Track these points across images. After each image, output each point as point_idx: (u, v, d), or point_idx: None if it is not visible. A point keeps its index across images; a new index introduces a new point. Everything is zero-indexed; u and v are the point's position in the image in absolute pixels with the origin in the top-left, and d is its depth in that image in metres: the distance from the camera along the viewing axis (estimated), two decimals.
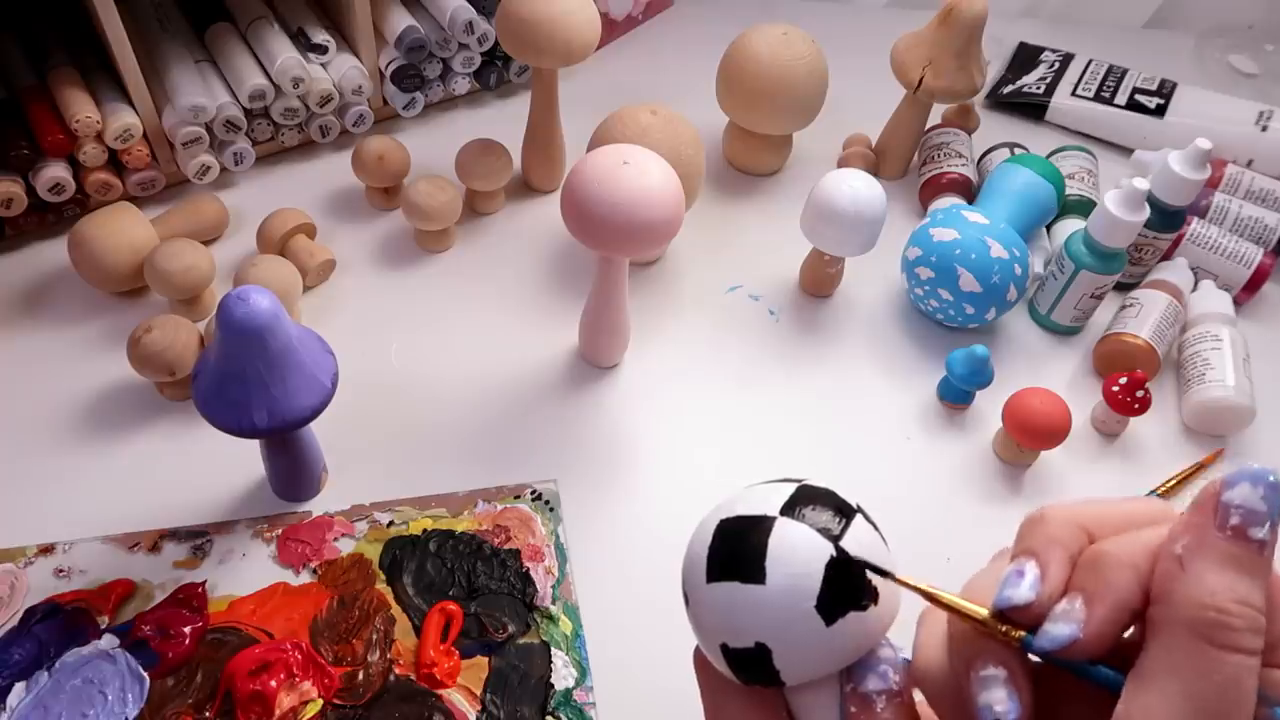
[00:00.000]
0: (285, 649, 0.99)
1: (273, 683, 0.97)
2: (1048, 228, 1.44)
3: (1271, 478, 0.45)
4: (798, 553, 0.52)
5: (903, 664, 0.54)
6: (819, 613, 0.51)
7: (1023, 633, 0.49)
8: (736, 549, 0.54)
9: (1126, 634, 0.48)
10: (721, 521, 0.55)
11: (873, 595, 0.52)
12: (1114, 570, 0.48)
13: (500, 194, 1.44)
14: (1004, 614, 0.50)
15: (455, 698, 0.98)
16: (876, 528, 0.55)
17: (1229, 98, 1.64)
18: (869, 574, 0.52)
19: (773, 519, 0.53)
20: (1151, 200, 1.29)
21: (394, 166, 1.37)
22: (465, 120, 1.59)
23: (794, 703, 0.56)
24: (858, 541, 0.53)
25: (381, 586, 1.05)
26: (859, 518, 0.54)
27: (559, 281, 1.36)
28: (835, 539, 0.52)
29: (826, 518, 0.53)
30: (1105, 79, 1.69)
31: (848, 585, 0.52)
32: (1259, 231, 1.40)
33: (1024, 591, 0.49)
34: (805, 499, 0.54)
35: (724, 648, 0.54)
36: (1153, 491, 1.20)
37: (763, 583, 0.52)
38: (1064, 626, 0.48)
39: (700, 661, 0.59)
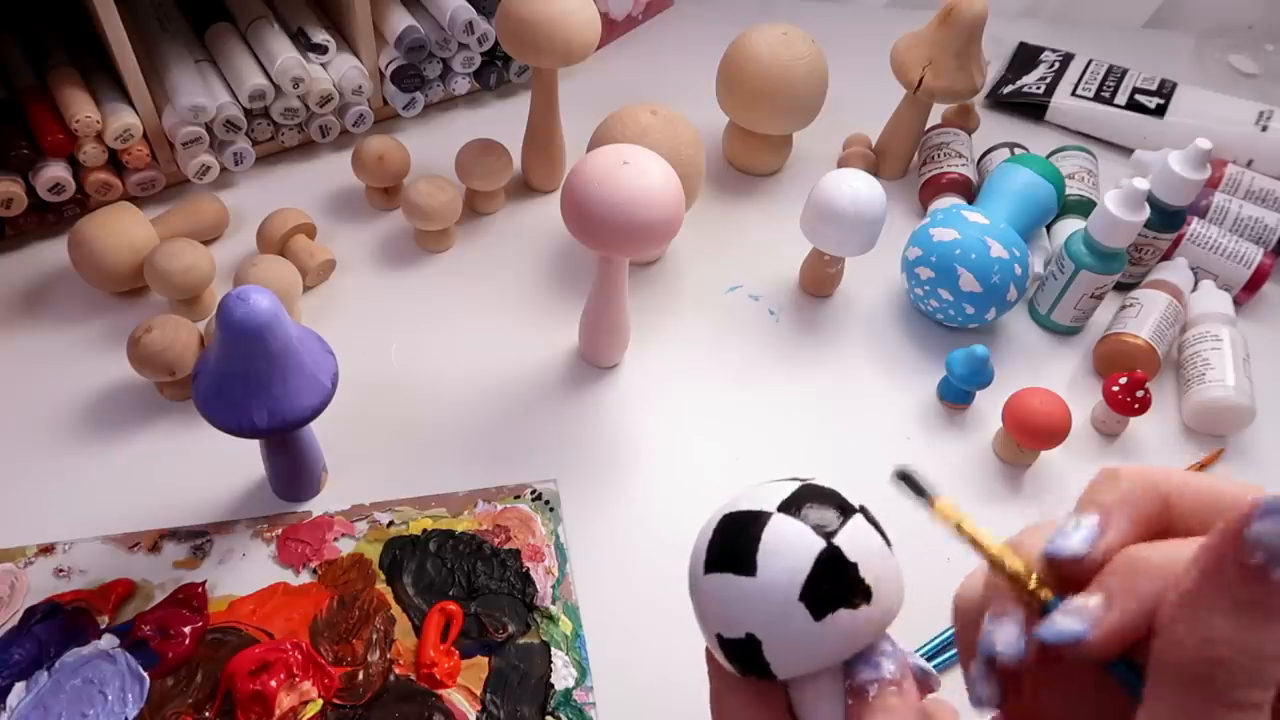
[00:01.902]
0: (285, 649, 0.99)
1: (273, 683, 0.97)
2: (1048, 228, 1.44)
3: None
4: (789, 547, 0.53)
5: (901, 657, 0.54)
6: (806, 607, 0.52)
7: (1050, 597, 0.48)
8: (732, 542, 0.55)
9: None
10: (724, 516, 0.57)
11: (865, 594, 0.53)
12: (1145, 580, 0.45)
13: (500, 194, 1.44)
14: (1050, 562, 0.49)
15: (455, 698, 0.98)
16: (879, 529, 0.56)
17: (1229, 98, 1.65)
18: (863, 576, 0.53)
19: (769, 514, 0.55)
20: (1151, 200, 1.29)
21: (394, 166, 1.37)
22: (465, 120, 1.59)
23: (795, 698, 0.57)
24: (853, 540, 0.54)
25: (381, 586, 1.05)
26: (858, 517, 0.55)
27: (559, 281, 1.36)
28: (829, 536, 0.53)
29: (824, 515, 0.54)
30: (1105, 79, 1.69)
31: (838, 582, 0.53)
32: (1259, 231, 1.40)
33: (1075, 544, 0.48)
34: (805, 497, 0.55)
35: (719, 638, 0.56)
36: None
37: (753, 575, 0.53)
38: (1073, 622, 0.45)
39: (710, 653, 0.59)
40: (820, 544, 0.53)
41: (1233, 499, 0.47)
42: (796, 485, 0.57)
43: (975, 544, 0.51)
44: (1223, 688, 0.39)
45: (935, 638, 1.06)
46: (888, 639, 0.55)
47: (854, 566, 0.53)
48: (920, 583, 1.11)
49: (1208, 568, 0.40)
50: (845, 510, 0.55)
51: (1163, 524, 0.48)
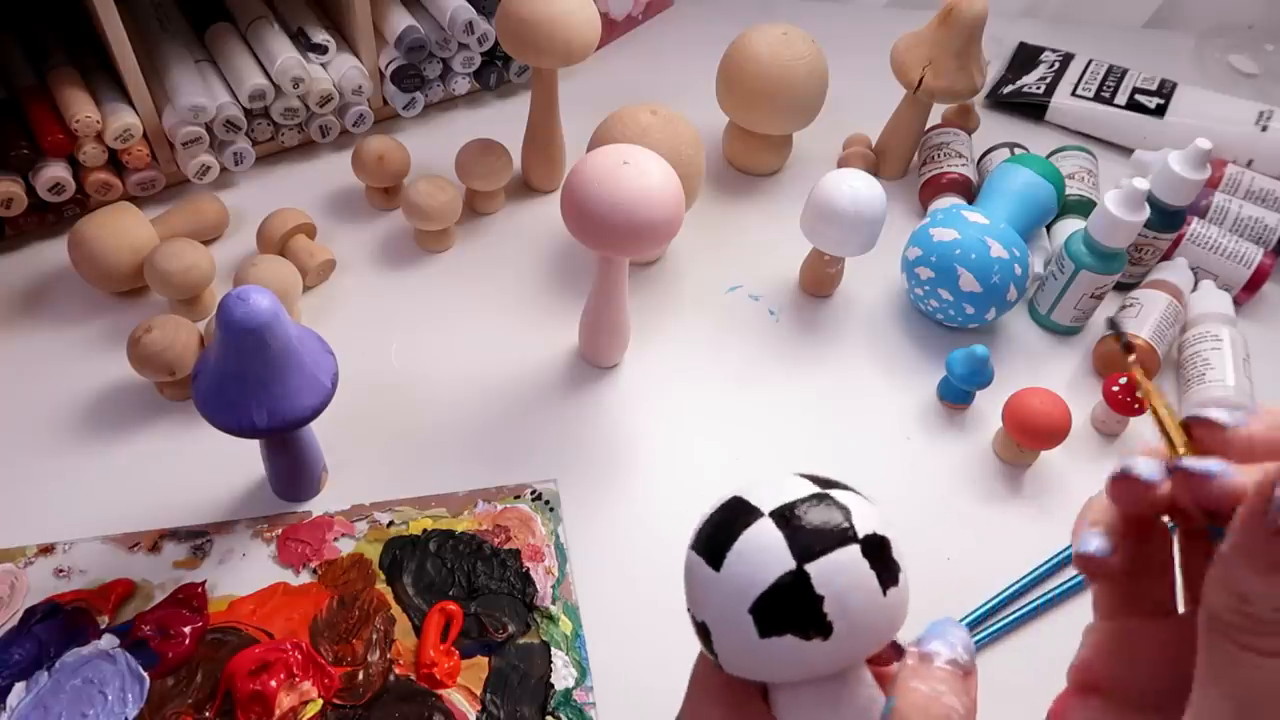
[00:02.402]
0: (285, 649, 0.99)
1: (273, 683, 0.97)
2: (1048, 228, 1.44)
3: None
4: (759, 556, 0.52)
5: (975, 647, 0.53)
6: (754, 621, 0.52)
7: (1183, 454, 0.49)
8: (715, 529, 0.55)
9: None
10: (730, 497, 0.56)
11: (822, 629, 0.51)
12: None
13: (500, 194, 1.44)
14: (1194, 426, 0.50)
15: (455, 698, 0.98)
16: (885, 564, 0.52)
17: (1229, 98, 1.65)
18: (827, 610, 0.51)
19: (759, 514, 0.53)
20: (1151, 200, 1.30)
21: (394, 166, 1.37)
22: (465, 120, 1.59)
23: (771, 695, 0.57)
24: (832, 571, 0.51)
25: (381, 586, 1.05)
26: (853, 548, 0.52)
27: (559, 281, 1.36)
28: (805, 559, 0.51)
29: (814, 534, 0.52)
30: (1105, 79, 1.69)
31: (792, 608, 0.51)
32: (1259, 231, 1.40)
33: (1224, 416, 0.48)
34: (806, 508, 0.53)
35: (689, 612, 0.57)
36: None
37: (717, 570, 0.53)
38: (1214, 462, 0.45)
39: None
40: (789, 564, 0.51)
41: None
42: (811, 491, 0.54)
43: (1153, 408, 0.52)
44: (1258, 639, 0.41)
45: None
46: (958, 626, 0.54)
47: (818, 599, 0.50)
48: (920, 583, 1.11)
49: (1243, 525, 0.42)
50: (843, 536, 0.52)
51: None
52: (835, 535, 0.52)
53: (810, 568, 0.51)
